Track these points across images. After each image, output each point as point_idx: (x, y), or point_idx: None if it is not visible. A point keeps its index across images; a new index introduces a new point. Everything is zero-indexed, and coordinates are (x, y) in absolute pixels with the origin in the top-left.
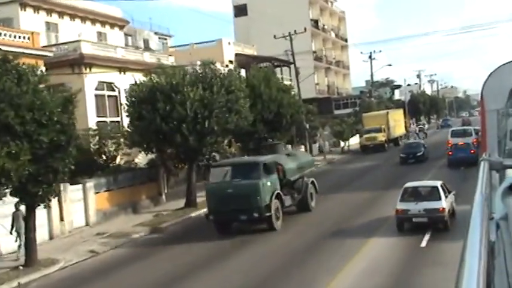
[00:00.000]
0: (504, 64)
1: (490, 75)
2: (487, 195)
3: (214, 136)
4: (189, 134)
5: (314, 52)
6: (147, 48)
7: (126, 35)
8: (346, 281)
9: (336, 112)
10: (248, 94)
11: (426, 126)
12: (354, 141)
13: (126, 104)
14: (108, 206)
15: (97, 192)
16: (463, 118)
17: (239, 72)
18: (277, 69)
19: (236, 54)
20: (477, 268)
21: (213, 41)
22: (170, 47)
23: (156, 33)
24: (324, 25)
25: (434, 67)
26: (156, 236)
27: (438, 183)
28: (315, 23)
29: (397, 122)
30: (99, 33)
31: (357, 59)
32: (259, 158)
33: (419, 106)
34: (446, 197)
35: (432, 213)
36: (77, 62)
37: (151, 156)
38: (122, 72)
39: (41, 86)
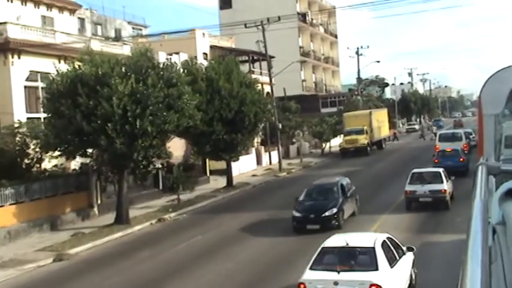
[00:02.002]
0: (503, 68)
1: (488, 79)
2: (485, 201)
3: (148, 138)
4: (116, 135)
5: (301, 47)
6: (116, 38)
7: (95, 23)
8: None
9: (323, 110)
10: (205, 89)
11: (427, 124)
12: (336, 142)
13: (44, 98)
14: (16, 223)
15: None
16: (455, 119)
17: (195, 63)
18: (257, 64)
19: (211, 47)
20: (480, 276)
21: (185, 31)
22: (140, 36)
23: (129, 23)
24: (312, 19)
25: (428, 67)
26: (57, 267)
27: (441, 169)
28: (303, 16)
29: (381, 123)
30: (44, 18)
31: (349, 56)
32: None
33: (411, 105)
34: (447, 181)
35: (436, 194)
36: (2, 48)
37: (85, 160)
38: (63, 61)
39: None
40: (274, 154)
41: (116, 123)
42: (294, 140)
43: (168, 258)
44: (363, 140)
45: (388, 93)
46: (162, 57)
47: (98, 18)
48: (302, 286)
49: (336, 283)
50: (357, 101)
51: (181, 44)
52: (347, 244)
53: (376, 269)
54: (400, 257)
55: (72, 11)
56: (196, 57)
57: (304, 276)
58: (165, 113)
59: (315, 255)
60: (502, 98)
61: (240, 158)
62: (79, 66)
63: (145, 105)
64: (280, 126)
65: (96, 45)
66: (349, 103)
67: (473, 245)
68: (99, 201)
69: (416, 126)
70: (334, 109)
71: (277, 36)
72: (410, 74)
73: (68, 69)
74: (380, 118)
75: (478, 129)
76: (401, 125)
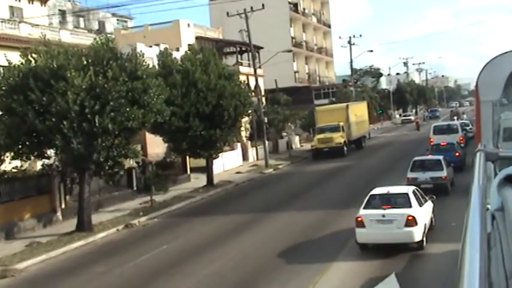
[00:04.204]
0: (500, 54)
1: (485, 65)
2: (483, 187)
3: (109, 137)
4: (73, 134)
5: (293, 38)
6: (98, 31)
7: (77, 16)
8: None
9: (316, 102)
10: (180, 82)
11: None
12: None
13: None
14: None
15: None
16: (452, 109)
17: (170, 54)
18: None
19: (197, 38)
20: (478, 261)
21: (169, 22)
22: (122, 28)
23: (114, 14)
24: (304, 9)
25: (424, 56)
26: None
27: (441, 157)
28: (294, 6)
29: (360, 118)
30: (12, 8)
31: (341, 46)
32: None
33: (406, 96)
34: (447, 168)
35: (437, 180)
36: None
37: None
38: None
39: None
40: (262, 149)
41: (73, 121)
42: (285, 134)
43: (125, 274)
44: (338, 138)
45: (383, 83)
46: (142, 49)
47: (80, 10)
48: (360, 219)
49: (383, 215)
50: (349, 92)
51: (165, 35)
52: (388, 192)
53: (410, 207)
54: (424, 202)
55: (43, 1)
56: (178, 48)
57: (360, 212)
58: (128, 109)
59: (365, 200)
60: (500, 84)
61: (224, 154)
62: (34, 58)
63: (106, 100)
64: (266, 120)
65: (67, 37)
66: (341, 94)
67: (471, 231)
68: (63, 205)
69: (412, 117)
70: (327, 101)
71: (268, 27)
72: (405, 64)
73: (21, 62)
74: (359, 112)
75: (476, 116)
76: (397, 116)
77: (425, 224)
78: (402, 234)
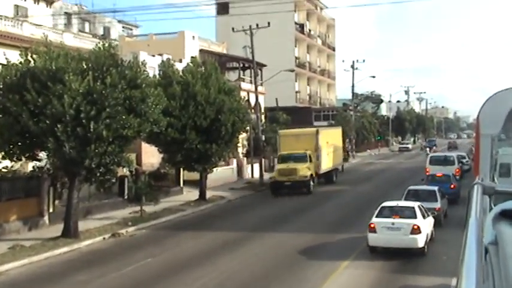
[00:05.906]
0: (502, 90)
1: (488, 99)
2: (480, 220)
3: (103, 144)
4: (66, 138)
5: (297, 58)
6: (103, 36)
7: (83, 20)
8: None
9: (316, 124)
10: (179, 93)
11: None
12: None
13: None
14: None
15: None
16: (450, 141)
17: (172, 65)
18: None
19: (201, 51)
20: None
21: (174, 33)
22: (127, 36)
23: (120, 21)
24: (310, 30)
25: (426, 86)
26: None
27: (436, 188)
28: (300, 27)
29: (332, 148)
30: (17, 7)
31: (344, 70)
32: None
33: (405, 124)
34: (441, 199)
35: (430, 211)
36: None
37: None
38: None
39: None
40: (258, 166)
41: (67, 125)
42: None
43: (106, 285)
44: (304, 170)
45: (383, 110)
46: (145, 58)
47: (86, 15)
48: (372, 225)
49: (392, 223)
50: (349, 116)
51: (169, 45)
52: (397, 205)
53: (416, 218)
54: (427, 216)
55: (49, 2)
56: (181, 60)
57: (373, 220)
58: (124, 117)
59: (377, 211)
60: (500, 119)
61: (219, 169)
62: (33, 58)
63: (102, 106)
64: (263, 138)
65: (70, 40)
66: (341, 118)
67: (468, 264)
68: (51, 210)
69: (410, 146)
70: (326, 123)
71: (272, 45)
72: (407, 92)
73: (19, 62)
74: (331, 140)
75: (475, 149)
76: (394, 144)
77: (427, 234)
78: (408, 240)
